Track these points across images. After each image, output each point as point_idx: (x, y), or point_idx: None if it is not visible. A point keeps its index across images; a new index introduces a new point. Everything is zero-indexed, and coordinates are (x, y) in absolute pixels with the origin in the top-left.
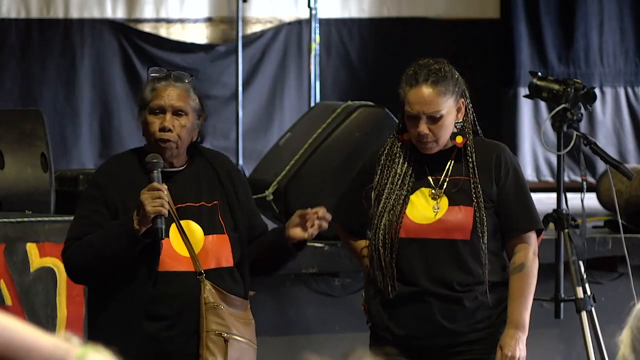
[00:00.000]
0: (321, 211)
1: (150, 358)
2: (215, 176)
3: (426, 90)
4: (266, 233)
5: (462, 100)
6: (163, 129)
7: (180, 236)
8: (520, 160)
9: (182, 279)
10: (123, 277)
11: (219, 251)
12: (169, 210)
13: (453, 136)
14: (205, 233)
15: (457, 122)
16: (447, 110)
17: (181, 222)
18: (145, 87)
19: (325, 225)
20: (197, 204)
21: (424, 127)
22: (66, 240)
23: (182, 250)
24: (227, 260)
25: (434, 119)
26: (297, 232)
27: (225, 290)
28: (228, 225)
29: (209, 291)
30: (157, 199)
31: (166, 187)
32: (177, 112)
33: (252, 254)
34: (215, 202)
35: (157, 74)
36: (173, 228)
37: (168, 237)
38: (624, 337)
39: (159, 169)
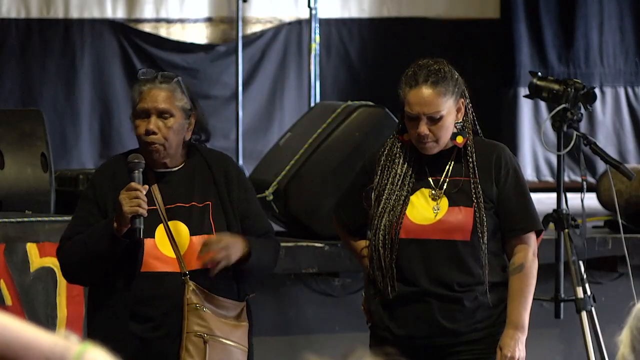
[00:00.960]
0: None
1: (138, 359)
2: (210, 176)
3: (426, 91)
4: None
5: (462, 100)
6: (147, 132)
7: (167, 237)
8: (520, 160)
9: (167, 279)
10: (111, 278)
11: None
12: (156, 211)
13: (453, 136)
14: (192, 233)
15: (457, 122)
16: (447, 110)
17: (169, 222)
18: (134, 90)
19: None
20: (188, 205)
21: (424, 128)
22: (60, 239)
23: (168, 251)
24: (213, 262)
25: (434, 120)
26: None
27: (213, 292)
28: (219, 226)
29: (192, 292)
30: (135, 199)
31: (147, 187)
32: (162, 114)
33: None
34: (208, 202)
35: (144, 76)
36: (160, 229)
37: (153, 237)
38: (624, 337)
39: (140, 169)
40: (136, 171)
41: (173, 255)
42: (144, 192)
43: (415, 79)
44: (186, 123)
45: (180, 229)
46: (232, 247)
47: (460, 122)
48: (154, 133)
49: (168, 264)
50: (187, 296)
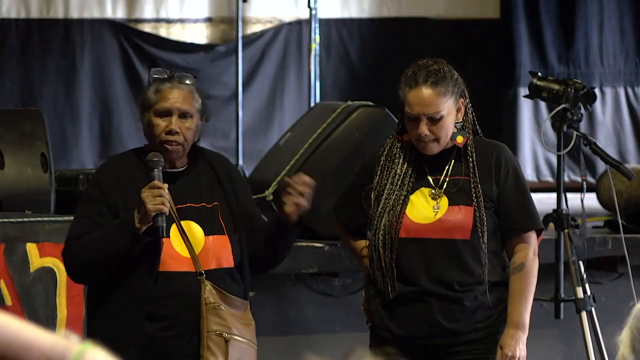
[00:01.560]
0: (300, 179)
1: (150, 358)
2: (214, 177)
3: (426, 92)
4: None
5: (462, 100)
6: (170, 132)
7: (181, 236)
8: (520, 160)
9: (182, 279)
10: (123, 277)
11: (219, 252)
12: (169, 210)
13: (454, 136)
14: (206, 234)
15: (457, 122)
16: (447, 110)
17: (182, 222)
18: (149, 87)
19: (303, 190)
20: (198, 205)
21: (424, 129)
22: (66, 239)
23: (183, 251)
24: (228, 261)
25: (434, 120)
26: (289, 208)
27: (226, 291)
28: (228, 226)
29: (209, 291)
30: (158, 197)
31: (167, 185)
32: (183, 115)
33: (252, 251)
34: (216, 203)
35: (160, 75)
36: (174, 228)
37: (168, 236)
38: (624, 337)
39: (160, 168)
40: (156, 169)
41: (187, 254)
42: (166, 190)
43: (415, 79)
44: (200, 124)
45: (194, 228)
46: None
47: (460, 122)
48: (177, 133)
49: (183, 264)
50: (205, 295)
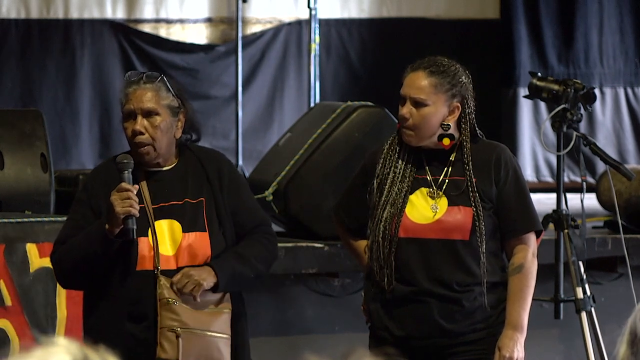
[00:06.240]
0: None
1: (136, 358)
2: (203, 174)
3: (420, 76)
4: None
5: (458, 104)
6: (134, 133)
7: (151, 235)
8: (520, 161)
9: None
10: (105, 279)
11: (196, 248)
12: (145, 210)
13: (440, 138)
14: (184, 230)
15: (445, 124)
16: (433, 102)
17: (162, 220)
18: (120, 93)
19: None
20: (181, 202)
21: (406, 110)
22: (54, 243)
23: (164, 250)
24: (205, 257)
25: (417, 104)
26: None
27: None
28: (212, 223)
29: (163, 286)
30: (126, 199)
31: (137, 187)
32: (148, 114)
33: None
34: (201, 199)
35: (128, 78)
36: (154, 227)
37: (146, 236)
38: (623, 339)
39: (129, 170)
40: (126, 172)
41: (168, 253)
42: (135, 192)
43: (418, 64)
44: (174, 121)
45: (174, 226)
46: (195, 275)
47: (448, 124)
48: (141, 133)
49: (161, 262)
50: (159, 291)
